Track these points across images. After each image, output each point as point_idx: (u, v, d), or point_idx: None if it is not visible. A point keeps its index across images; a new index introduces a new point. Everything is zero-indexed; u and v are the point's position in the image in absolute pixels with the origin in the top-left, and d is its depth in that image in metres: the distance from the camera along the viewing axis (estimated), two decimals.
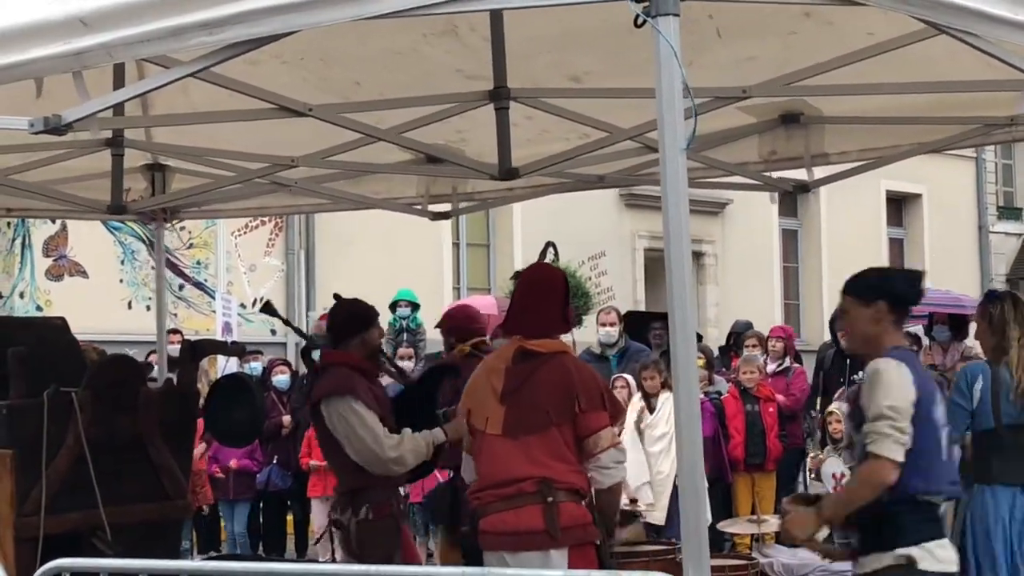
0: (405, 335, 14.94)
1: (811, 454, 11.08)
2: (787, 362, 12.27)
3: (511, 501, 5.42)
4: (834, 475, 10.05)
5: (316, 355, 10.93)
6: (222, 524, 12.45)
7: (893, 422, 4.63)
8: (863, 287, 4.97)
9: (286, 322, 7.60)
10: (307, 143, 6.88)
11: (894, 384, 4.68)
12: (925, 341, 12.88)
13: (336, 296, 6.61)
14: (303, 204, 8.70)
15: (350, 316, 6.41)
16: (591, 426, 5.44)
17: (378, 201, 8.23)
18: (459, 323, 8.00)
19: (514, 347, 5.67)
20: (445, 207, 8.25)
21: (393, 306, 15.41)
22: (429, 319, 16.69)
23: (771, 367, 12.02)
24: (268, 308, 7.22)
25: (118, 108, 5.82)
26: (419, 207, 8.22)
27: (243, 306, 18.04)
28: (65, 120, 4.28)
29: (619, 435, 5.57)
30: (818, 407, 11.99)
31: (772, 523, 8.40)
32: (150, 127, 7.06)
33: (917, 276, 5.17)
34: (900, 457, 4.62)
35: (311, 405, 6.23)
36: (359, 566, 4.70)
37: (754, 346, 12.32)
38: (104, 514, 6.15)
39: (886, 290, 4.92)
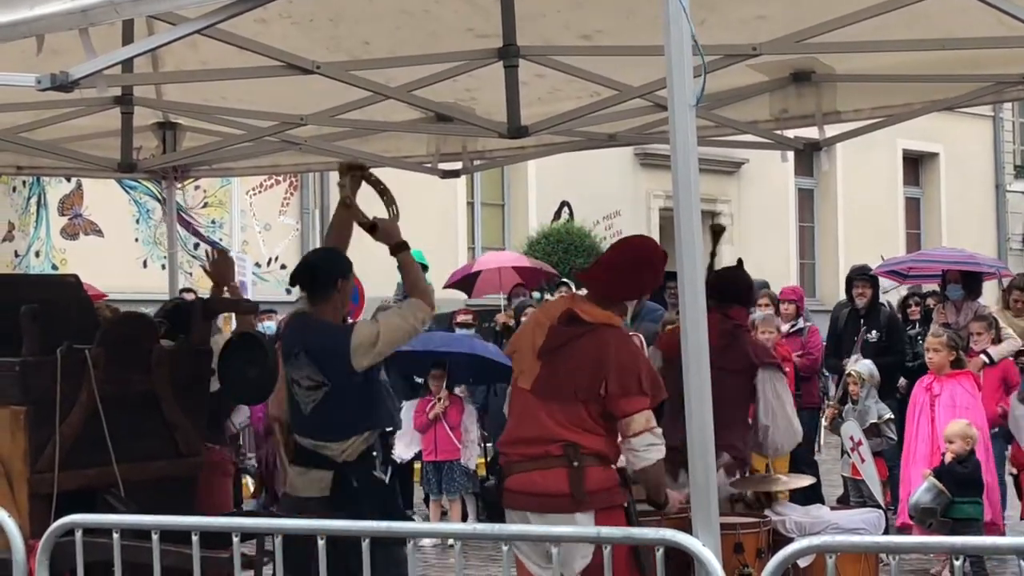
0: None
1: (828, 404, 11.08)
2: (800, 323, 12.25)
3: (538, 462, 5.39)
4: (851, 437, 10.04)
5: None
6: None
7: None
8: None
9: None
10: (317, 102, 6.88)
11: None
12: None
13: None
14: (313, 162, 8.71)
15: None
16: (624, 409, 5.37)
17: (388, 159, 8.22)
18: None
19: (564, 306, 5.61)
20: (455, 165, 8.24)
21: None
22: (443, 278, 16.79)
23: (784, 328, 11.99)
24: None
25: (127, 65, 5.83)
26: (429, 165, 8.21)
27: (258, 265, 18.08)
28: (72, 77, 4.28)
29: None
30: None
31: (785, 481, 8.41)
32: (159, 84, 7.07)
33: None
34: None
35: None
36: (365, 522, 4.72)
37: (766, 305, 12.29)
38: (117, 471, 6.17)
39: None
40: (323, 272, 6.36)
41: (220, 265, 7.27)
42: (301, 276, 6.41)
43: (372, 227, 6.33)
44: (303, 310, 6.47)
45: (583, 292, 5.90)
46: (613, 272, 5.66)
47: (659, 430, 5.46)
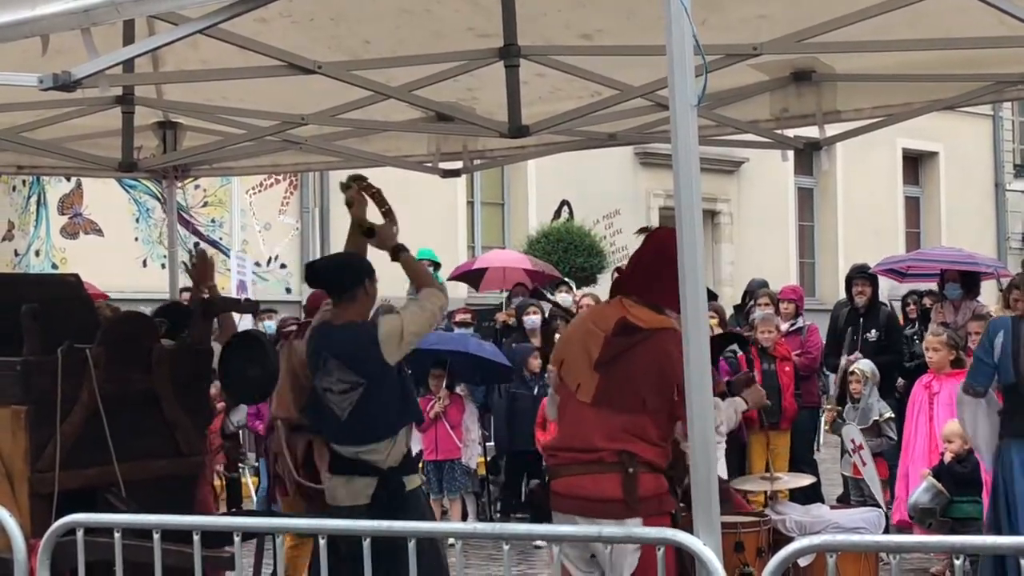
0: None
1: (826, 407, 11.09)
2: (800, 322, 12.26)
3: (590, 467, 5.33)
4: (853, 440, 10.04)
5: None
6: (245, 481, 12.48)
7: None
8: None
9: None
10: (317, 101, 6.88)
11: None
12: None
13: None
14: (313, 162, 8.72)
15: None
16: None
17: (389, 159, 8.23)
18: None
19: (617, 315, 5.45)
20: (456, 165, 8.24)
21: None
22: (443, 275, 16.81)
23: (784, 327, 12.00)
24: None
25: (128, 65, 5.83)
26: (430, 165, 8.21)
27: (258, 264, 18.08)
28: (74, 77, 4.28)
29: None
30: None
31: (785, 480, 8.42)
32: (160, 84, 7.07)
33: None
34: None
35: None
36: (369, 522, 4.73)
37: (766, 304, 12.30)
38: (118, 470, 6.17)
39: None
40: (350, 273, 6.46)
41: (200, 265, 7.31)
42: (327, 278, 6.48)
43: (370, 231, 6.51)
44: (324, 319, 6.53)
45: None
46: (662, 277, 5.34)
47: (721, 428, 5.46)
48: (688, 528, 4.07)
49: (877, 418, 10.20)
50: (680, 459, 5.46)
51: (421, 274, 6.62)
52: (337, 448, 6.41)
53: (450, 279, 16.62)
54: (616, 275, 5.83)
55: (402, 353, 6.31)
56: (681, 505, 5.84)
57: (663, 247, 5.48)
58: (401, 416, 6.40)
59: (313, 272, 6.60)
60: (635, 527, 5.16)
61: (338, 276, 6.46)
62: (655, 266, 5.47)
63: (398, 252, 6.52)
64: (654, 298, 5.44)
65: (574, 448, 5.41)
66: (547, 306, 13.41)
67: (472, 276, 16.86)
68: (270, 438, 8.10)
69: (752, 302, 13.62)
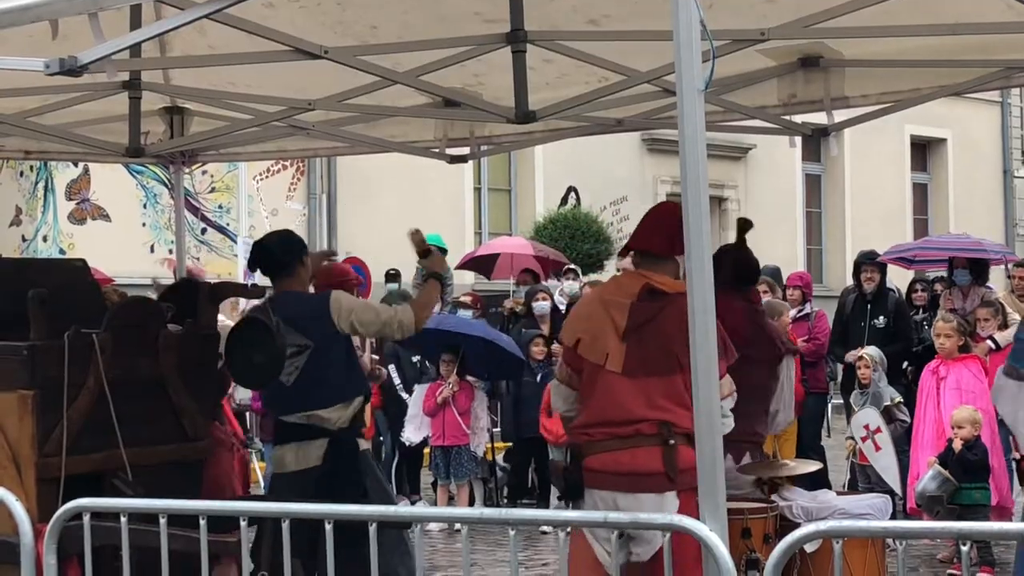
0: None
1: (847, 437, 11.01)
2: (807, 308, 12.24)
3: (627, 441, 5.29)
4: (867, 426, 10.01)
5: None
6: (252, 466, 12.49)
7: None
8: None
9: None
10: (325, 86, 6.87)
11: None
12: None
13: None
14: (320, 147, 8.72)
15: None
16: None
17: (395, 144, 8.22)
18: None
19: (640, 283, 5.46)
20: (463, 151, 8.23)
21: None
22: (451, 264, 16.80)
23: (791, 313, 11.97)
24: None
25: (135, 50, 5.82)
26: (437, 150, 8.20)
27: None
28: (81, 62, 4.28)
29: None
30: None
31: (792, 466, 8.41)
32: (167, 69, 7.07)
33: None
34: None
35: None
36: (373, 507, 4.73)
37: (764, 292, 12.27)
38: (124, 455, 6.19)
39: None
40: (282, 251, 6.62)
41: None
42: (262, 259, 6.61)
43: (428, 252, 6.87)
44: (269, 295, 6.66)
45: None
46: (654, 228, 5.58)
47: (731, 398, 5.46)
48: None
49: (888, 403, 10.19)
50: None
51: (426, 301, 6.70)
52: (284, 418, 6.47)
53: (459, 267, 16.61)
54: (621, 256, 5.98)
55: (345, 327, 6.36)
56: None
57: (656, 210, 5.81)
58: (351, 385, 6.49)
59: (259, 250, 6.67)
60: (675, 501, 5.17)
61: (272, 255, 6.60)
62: (650, 220, 5.64)
63: (435, 278, 6.75)
64: (656, 246, 5.51)
65: (611, 422, 5.34)
66: (556, 291, 13.42)
67: (483, 263, 16.85)
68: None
69: None
